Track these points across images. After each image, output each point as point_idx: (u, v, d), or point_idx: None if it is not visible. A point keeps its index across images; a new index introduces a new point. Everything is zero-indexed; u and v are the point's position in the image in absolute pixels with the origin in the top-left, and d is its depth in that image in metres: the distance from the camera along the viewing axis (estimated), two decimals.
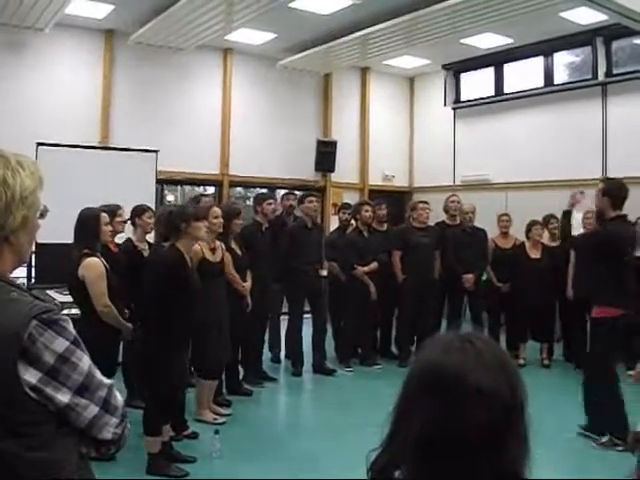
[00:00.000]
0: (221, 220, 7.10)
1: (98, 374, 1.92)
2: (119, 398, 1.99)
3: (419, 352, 1.59)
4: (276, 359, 9.89)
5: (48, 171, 7.83)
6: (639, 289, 6.66)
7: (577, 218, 7.62)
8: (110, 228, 6.35)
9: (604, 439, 6.44)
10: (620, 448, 6.17)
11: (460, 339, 1.52)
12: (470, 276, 9.89)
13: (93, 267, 5.85)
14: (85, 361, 1.88)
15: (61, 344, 1.82)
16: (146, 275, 5.96)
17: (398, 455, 1.50)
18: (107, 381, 1.95)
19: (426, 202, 10.28)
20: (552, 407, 7.44)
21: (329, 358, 9.64)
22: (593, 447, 6.45)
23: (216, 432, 6.21)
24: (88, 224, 5.99)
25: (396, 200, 14.52)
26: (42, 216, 2.11)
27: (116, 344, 6.47)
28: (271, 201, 8.91)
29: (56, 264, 6.23)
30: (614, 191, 6.70)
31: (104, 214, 6.21)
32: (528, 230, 9.90)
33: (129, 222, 7.50)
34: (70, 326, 1.87)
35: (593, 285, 6.82)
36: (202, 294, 6.49)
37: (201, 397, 7.14)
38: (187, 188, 14.33)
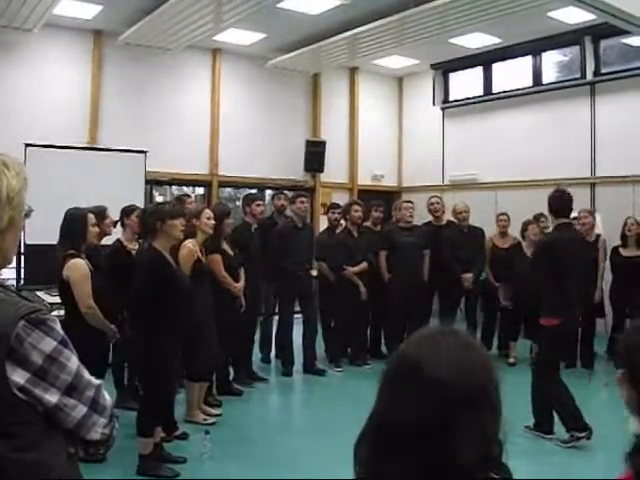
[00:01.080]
0: (213, 221, 7.09)
1: (86, 374, 1.92)
2: (107, 398, 1.99)
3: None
4: (266, 359, 9.88)
5: (37, 172, 7.85)
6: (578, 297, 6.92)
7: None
8: (97, 229, 6.31)
9: (566, 437, 6.56)
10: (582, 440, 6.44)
11: (432, 332, 1.55)
12: (469, 275, 9.90)
13: (77, 268, 5.80)
14: (73, 361, 1.87)
15: (49, 344, 1.81)
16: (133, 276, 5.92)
17: (364, 438, 1.55)
18: (95, 381, 1.95)
19: (409, 201, 10.30)
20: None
21: (319, 358, 9.63)
22: (558, 446, 6.52)
23: (206, 432, 6.21)
24: (74, 224, 5.95)
25: (385, 200, 14.50)
26: (27, 216, 2.10)
27: (104, 345, 6.43)
28: (260, 202, 8.92)
29: (45, 265, 6.21)
30: (555, 201, 6.79)
31: (90, 214, 6.17)
32: (524, 229, 9.88)
33: (118, 223, 7.49)
34: (58, 326, 1.86)
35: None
36: (193, 294, 6.50)
37: (191, 398, 7.13)
38: (176, 189, 14.29)
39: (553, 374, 6.64)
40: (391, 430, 1.46)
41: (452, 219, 10.34)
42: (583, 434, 6.41)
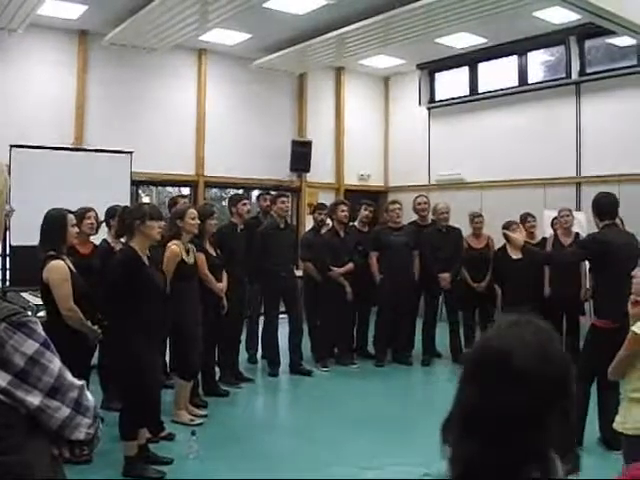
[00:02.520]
0: (197, 221, 7.08)
1: (69, 375, 1.91)
2: (91, 399, 1.98)
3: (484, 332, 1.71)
4: (253, 360, 9.88)
5: (22, 173, 7.83)
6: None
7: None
8: (77, 230, 6.27)
9: None
10: None
11: (514, 323, 1.63)
12: (446, 275, 9.89)
13: (57, 270, 5.75)
14: (55, 363, 1.87)
15: (31, 346, 1.81)
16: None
17: (452, 422, 1.63)
18: (78, 382, 1.94)
19: (396, 202, 10.29)
20: None
21: (306, 358, 9.64)
22: None
23: (193, 433, 6.20)
24: (54, 225, 5.90)
25: (372, 200, 14.51)
26: (7, 216, 2.09)
27: (88, 346, 6.39)
28: (246, 202, 8.90)
29: (31, 266, 6.18)
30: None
31: (70, 215, 6.13)
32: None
33: (103, 223, 7.48)
34: (39, 328, 1.86)
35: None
36: (178, 295, 6.49)
37: (177, 398, 7.12)
38: (168, 190, 14.29)
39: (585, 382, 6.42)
40: (481, 418, 1.54)
41: (433, 218, 10.34)
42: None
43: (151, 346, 5.73)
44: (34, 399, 1.81)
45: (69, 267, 5.84)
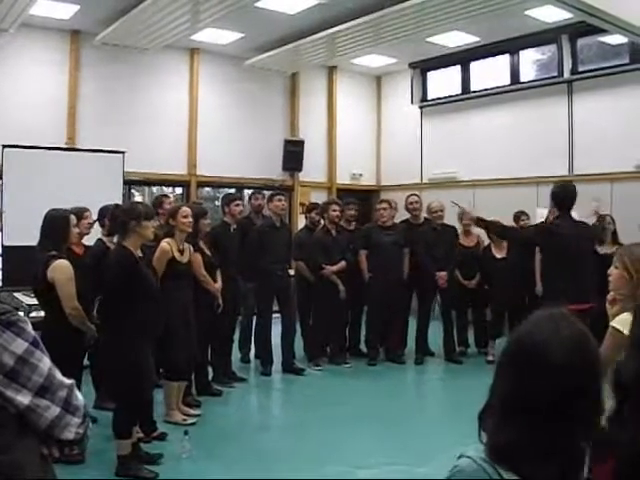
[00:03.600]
0: (190, 220, 7.06)
1: (58, 374, 1.91)
2: (80, 398, 1.98)
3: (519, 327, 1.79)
4: (245, 359, 9.88)
5: (15, 173, 7.84)
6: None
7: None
8: (77, 230, 6.28)
9: None
10: None
11: (550, 317, 1.72)
12: (443, 273, 9.89)
13: (63, 269, 5.77)
14: (45, 362, 1.87)
15: (20, 345, 1.81)
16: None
17: (489, 411, 1.75)
18: (67, 381, 1.94)
19: (386, 201, 10.29)
20: None
21: (298, 357, 9.65)
22: None
23: (185, 433, 6.19)
24: (56, 226, 5.91)
25: (364, 199, 14.54)
26: None
27: (83, 345, 6.38)
28: (239, 202, 8.90)
29: (24, 266, 6.17)
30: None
31: (72, 216, 6.13)
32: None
33: (97, 223, 7.48)
34: (29, 327, 1.86)
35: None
36: (169, 294, 6.47)
37: (170, 398, 7.10)
38: (157, 189, 14.26)
39: None
40: (518, 407, 1.65)
41: (428, 217, 10.34)
42: None
43: (146, 345, 5.75)
44: (24, 398, 1.81)
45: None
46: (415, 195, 10.57)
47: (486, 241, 10.24)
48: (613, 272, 3.73)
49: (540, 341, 1.65)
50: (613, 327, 3.46)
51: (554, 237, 6.75)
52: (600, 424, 1.71)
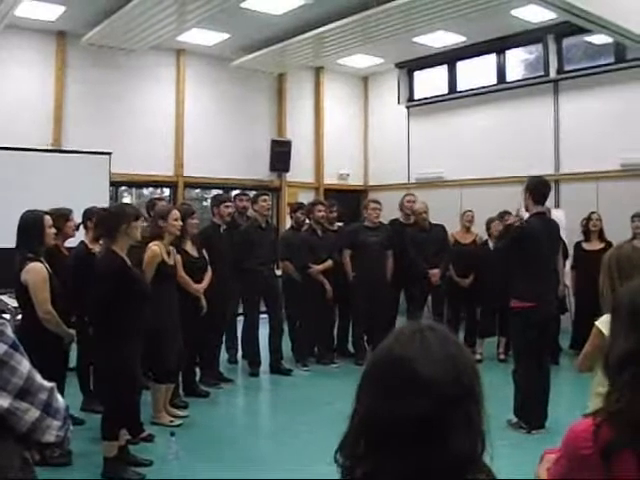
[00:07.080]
0: (180, 222, 7.06)
1: (38, 377, 1.91)
2: (61, 401, 1.98)
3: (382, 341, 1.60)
4: (233, 360, 9.86)
5: (0, 175, 7.68)
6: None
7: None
8: (54, 231, 6.22)
9: (514, 420, 6.85)
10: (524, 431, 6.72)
11: (411, 329, 1.55)
12: (436, 271, 9.89)
13: (36, 272, 5.71)
14: (24, 365, 1.86)
15: None
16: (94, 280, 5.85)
17: (351, 436, 1.54)
18: (48, 384, 1.94)
19: (376, 201, 10.29)
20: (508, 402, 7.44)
21: (286, 358, 9.64)
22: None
23: (172, 434, 6.18)
24: (31, 228, 5.85)
25: (351, 199, 14.56)
26: None
27: (62, 348, 6.33)
28: (229, 204, 8.89)
29: (9, 269, 6.14)
30: (536, 187, 6.89)
31: (47, 216, 6.08)
32: (488, 227, 10.00)
33: (81, 225, 7.45)
34: (8, 330, 1.85)
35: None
36: (157, 297, 6.45)
37: (157, 400, 7.09)
38: (148, 190, 14.24)
39: (532, 361, 6.72)
40: (384, 428, 1.47)
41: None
42: (526, 428, 6.69)
43: (135, 348, 5.74)
44: (3, 401, 1.81)
45: (47, 269, 5.81)
46: (412, 195, 10.59)
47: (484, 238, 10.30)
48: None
49: (406, 354, 1.49)
50: (596, 327, 3.49)
51: (526, 240, 6.78)
52: (481, 437, 1.51)
